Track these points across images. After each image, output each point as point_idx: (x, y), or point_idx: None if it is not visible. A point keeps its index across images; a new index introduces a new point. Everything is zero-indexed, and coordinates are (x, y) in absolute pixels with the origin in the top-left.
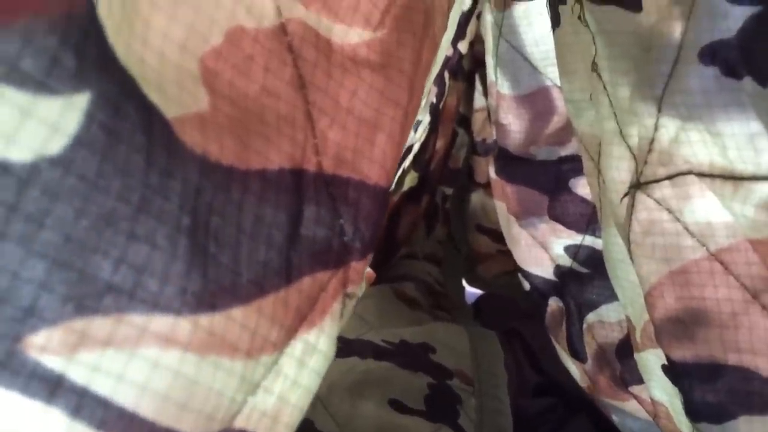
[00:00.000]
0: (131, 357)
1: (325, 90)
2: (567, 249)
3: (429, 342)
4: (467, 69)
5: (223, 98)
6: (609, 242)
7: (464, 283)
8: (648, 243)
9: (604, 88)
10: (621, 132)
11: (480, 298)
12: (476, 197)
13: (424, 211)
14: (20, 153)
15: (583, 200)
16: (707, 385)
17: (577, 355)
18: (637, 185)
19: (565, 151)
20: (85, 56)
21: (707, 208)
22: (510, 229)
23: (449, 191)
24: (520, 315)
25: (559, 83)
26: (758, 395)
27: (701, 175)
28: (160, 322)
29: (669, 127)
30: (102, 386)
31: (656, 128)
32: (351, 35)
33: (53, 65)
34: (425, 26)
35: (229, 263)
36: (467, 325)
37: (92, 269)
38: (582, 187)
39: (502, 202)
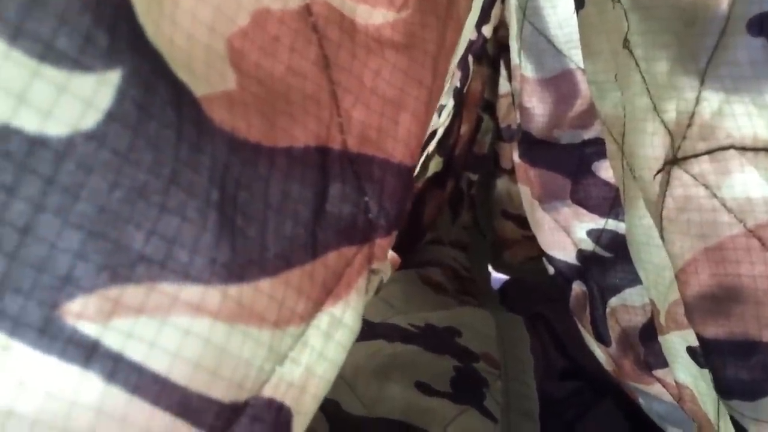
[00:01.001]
0: (163, 324)
1: (349, 69)
2: (590, 233)
3: (455, 326)
4: (492, 54)
5: (249, 78)
6: (633, 225)
7: (490, 268)
8: (683, 219)
9: (637, 64)
10: (655, 107)
11: (506, 284)
12: (501, 183)
13: (449, 196)
14: (57, 128)
15: (606, 184)
16: (741, 362)
17: (602, 338)
18: (674, 161)
19: (589, 134)
20: (116, 35)
21: (747, 183)
22: (533, 214)
23: (475, 177)
24: (545, 300)
25: (582, 66)
26: None
27: (743, 149)
28: (191, 292)
29: (712, 100)
30: (135, 352)
31: (698, 102)
32: (375, 16)
33: (87, 43)
34: (449, 7)
35: (257, 237)
36: (493, 309)
37: (125, 240)
38: (605, 171)
39: (526, 186)
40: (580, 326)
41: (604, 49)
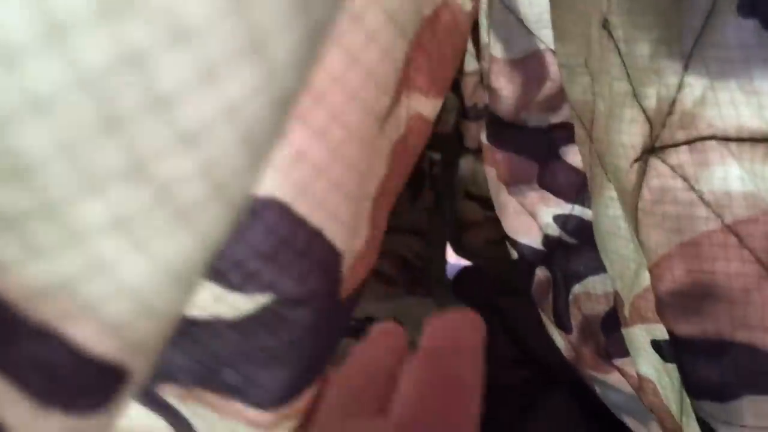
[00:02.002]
0: (222, 421)
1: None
2: (556, 218)
3: (397, 317)
4: None
5: (373, 229)
6: (599, 213)
7: (448, 255)
8: (658, 212)
9: (616, 46)
10: (635, 93)
11: (460, 272)
12: (465, 163)
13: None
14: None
15: (573, 169)
16: (712, 363)
17: (563, 325)
18: (651, 150)
19: (557, 118)
20: None
21: (727, 177)
22: (499, 196)
23: (437, 156)
24: (500, 290)
25: (552, 47)
26: (765, 375)
27: (725, 139)
28: (252, 411)
29: (695, 86)
30: (197, 423)
31: (680, 88)
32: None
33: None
34: None
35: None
36: (440, 299)
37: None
38: (573, 156)
39: (492, 169)
40: (541, 312)
41: (575, 30)
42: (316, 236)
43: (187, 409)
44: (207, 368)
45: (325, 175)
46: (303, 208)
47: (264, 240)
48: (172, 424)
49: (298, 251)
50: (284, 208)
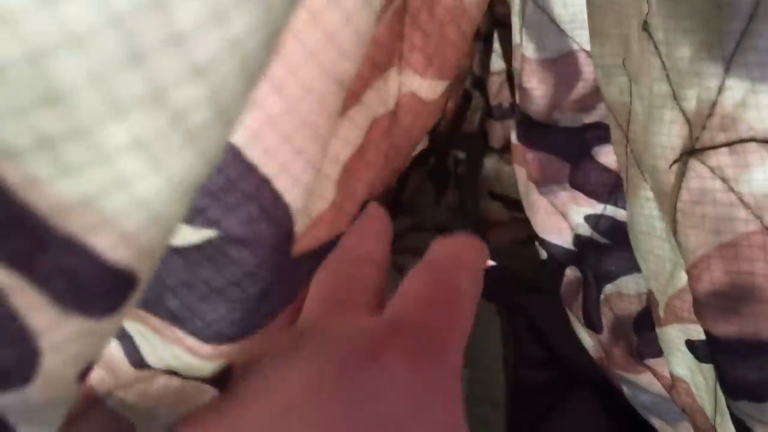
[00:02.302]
0: (166, 346)
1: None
2: (587, 218)
3: None
4: (484, 30)
5: (342, 192)
6: (634, 214)
7: None
8: (698, 213)
9: (656, 48)
10: (674, 95)
11: (485, 271)
12: (490, 162)
13: (430, 173)
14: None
15: (606, 169)
16: (750, 363)
17: (593, 325)
18: (691, 151)
19: (590, 118)
20: None
21: (767, 179)
22: (529, 196)
23: (462, 155)
24: (525, 289)
25: (586, 47)
26: None
27: (766, 141)
28: (191, 341)
29: (736, 89)
30: (142, 344)
31: (720, 90)
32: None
33: None
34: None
35: (265, 313)
36: None
37: (165, 300)
38: (605, 156)
39: (522, 168)
40: (569, 312)
41: (613, 31)
42: (263, 183)
43: (131, 326)
44: (152, 291)
45: (278, 128)
46: (253, 154)
47: (213, 179)
48: (118, 338)
49: (246, 194)
50: (235, 150)
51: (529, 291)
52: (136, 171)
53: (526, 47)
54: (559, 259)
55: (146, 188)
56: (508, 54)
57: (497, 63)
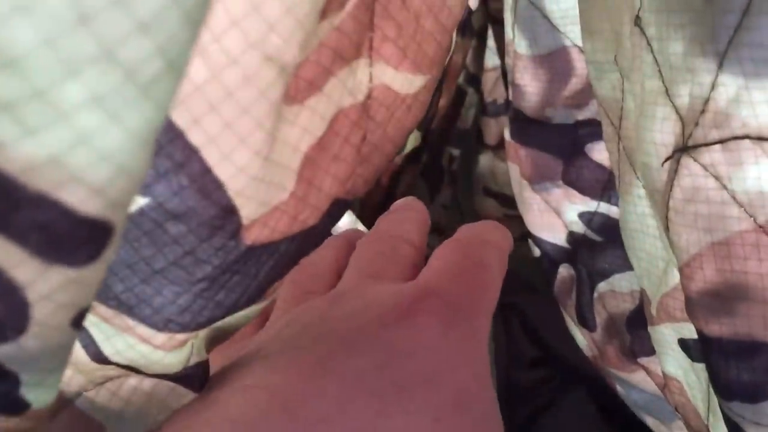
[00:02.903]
0: (118, 335)
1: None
2: (581, 215)
3: None
4: (478, 26)
5: (303, 181)
6: (627, 211)
7: None
8: (690, 211)
9: (648, 44)
10: (667, 91)
11: None
12: (485, 159)
13: (422, 170)
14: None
15: (599, 166)
16: (743, 363)
17: (586, 323)
18: (684, 149)
19: (583, 114)
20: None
21: (761, 176)
22: (522, 193)
23: (456, 153)
24: (519, 288)
25: (579, 43)
26: None
27: (760, 139)
28: (143, 329)
29: (729, 85)
30: (96, 334)
31: (714, 87)
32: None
33: None
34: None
35: (234, 300)
36: None
37: (111, 283)
38: (598, 153)
39: (515, 165)
40: (563, 311)
41: (605, 27)
42: (192, 153)
43: (87, 317)
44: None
45: (204, 96)
46: (181, 120)
47: None
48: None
49: (174, 161)
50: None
51: (524, 289)
52: (95, 126)
53: (518, 43)
54: (553, 256)
55: (108, 142)
56: (502, 50)
57: (491, 59)
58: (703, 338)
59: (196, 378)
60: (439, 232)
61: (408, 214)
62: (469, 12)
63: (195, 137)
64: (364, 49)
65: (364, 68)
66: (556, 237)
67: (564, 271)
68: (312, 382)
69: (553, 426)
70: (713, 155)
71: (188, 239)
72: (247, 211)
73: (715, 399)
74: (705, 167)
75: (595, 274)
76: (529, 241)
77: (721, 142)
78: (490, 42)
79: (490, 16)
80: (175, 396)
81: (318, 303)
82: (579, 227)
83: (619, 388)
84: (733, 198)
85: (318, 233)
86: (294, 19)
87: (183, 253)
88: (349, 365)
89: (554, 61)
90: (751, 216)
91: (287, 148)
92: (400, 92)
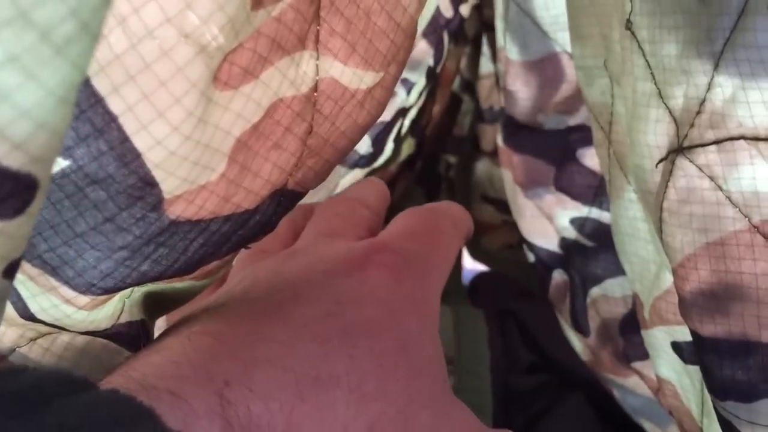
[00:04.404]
0: (44, 294)
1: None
2: (573, 221)
3: None
4: (473, 33)
5: (235, 163)
6: (618, 216)
7: (464, 260)
8: (685, 212)
9: (640, 47)
10: (660, 93)
11: (476, 278)
12: (482, 166)
13: (417, 177)
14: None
15: (590, 171)
16: (738, 363)
17: (580, 328)
18: (679, 150)
19: (574, 120)
20: None
21: (756, 177)
22: (515, 200)
23: (453, 160)
24: (516, 294)
25: (569, 49)
26: None
27: (755, 139)
28: (65, 290)
29: (725, 86)
30: (24, 292)
31: (709, 88)
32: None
33: None
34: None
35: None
36: (454, 305)
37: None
38: (590, 158)
39: (508, 171)
40: (558, 316)
41: (594, 32)
42: (111, 120)
43: (19, 275)
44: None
45: (122, 64)
46: (101, 86)
47: None
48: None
49: (94, 126)
50: (86, 79)
51: (521, 296)
52: (14, 84)
53: (509, 49)
54: (546, 262)
55: (26, 99)
56: (496, 57)
57: (486, 66)
58: (698, 338)
59: (129, 336)
60: None
61: (366, 184)
62: (461, 19)
63: (114, 105)
64: (309, 42)
65: (310, 60)
66: (549, 242)
67: (558, 276)
68: (258, 328)
69: (551, 430)
70: (709, 156)
71: (108, 206)
72: (168, 186)
73: (708, 402)
74: (700, 168)
75: (588, 279)
76: (524, 247)
77: (716, 142)
78: (485, 48)
79: (484, 23)
80: (108, 353)
81: (272, 260)
82: (571, 233)
83: (615, 393)
84: (728, 198)
85: (260, 220)
86: (213, 1)
87: (103, 219)
88: (296, 313)
89: (545, 67)
90: (746, 216)
91: (218, 131)
92: (349, 87)
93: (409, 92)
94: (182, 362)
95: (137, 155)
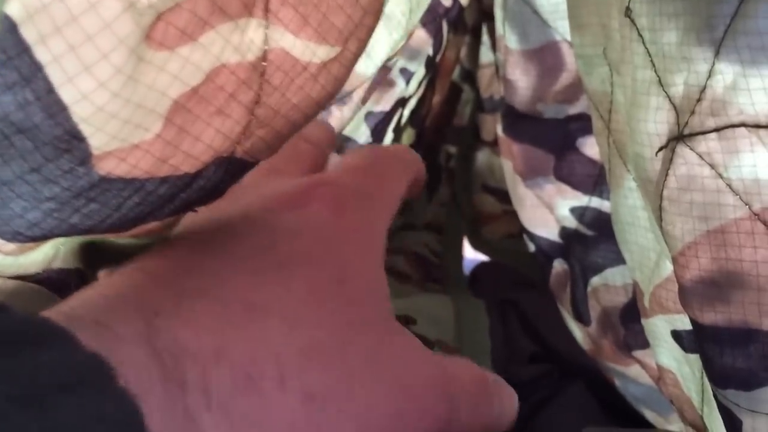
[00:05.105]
0: None
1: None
2: (573, 210)
3: (410, 314)
4: (472, 22)
5: (172, 125)
6: (618, 204)
7: (464, 250)
8: (685, 200)
9: (640, 35)
10: (660, 81)
11: (476, 267)
12: (482, 155)
13: None
14: None
15: (590, 160)
16: (738, 351)
17: (581, 318)
18: (679, 137)
19: (574, 109)
20: None
21: (756, 164)
22: (516, 189)
23: (453, 150)
24: (517, 284)
25: (569, 38)
26: None
27: (756, 126)
28: None
29: (726, 73)
30: None
31: (710, 75)
32: (318, 54)
33: None
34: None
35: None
36: (456, 295)
37: None
38: (590, 147)
39: (508, 161)
40: (559, 305)
41: (593, 21)
42: (37, 70)
43: None
44: None
45: (49, 14)
46: (28, 35)
47: None
48: None
49: (21, 75)
50: (12, 24)
51: (522, 285)
52: None
53: (509, 38)
54: (546, 251)
55: None
56: (496, 46)
57: (486, 55)
58: (698, 327)
59: (61, 283)
60: (439, 230)
61: (311, 124)
62: (461, 8)
63: (40, 54)
64: (257, 10)
65: (258, 29)
66: (549, 232)
67: (558, 266)
68: (193, 263)
69: (553, 420)
70: (709, 143)
71: (34, 156)
72: (96, 141)
73: (709, 390)
74: (701, 155)
75: (588, 268)
76: (525, 236)
77: (717, 130)
78: (485, 38)
79: (484, 12)
80: (40, 298)
81: (216, 203)
82: (571, 222)
83: (617, 382)
84: (729, 186)
85: (205, 185)
86: None
87: (29, 169)
88: (232, 248)
89: (544, 56)
90: (746, 204)
91: (152, 92)
92: (300, 59)
93: (408, 82)
94: (112, 295)
95: (63, 107)
